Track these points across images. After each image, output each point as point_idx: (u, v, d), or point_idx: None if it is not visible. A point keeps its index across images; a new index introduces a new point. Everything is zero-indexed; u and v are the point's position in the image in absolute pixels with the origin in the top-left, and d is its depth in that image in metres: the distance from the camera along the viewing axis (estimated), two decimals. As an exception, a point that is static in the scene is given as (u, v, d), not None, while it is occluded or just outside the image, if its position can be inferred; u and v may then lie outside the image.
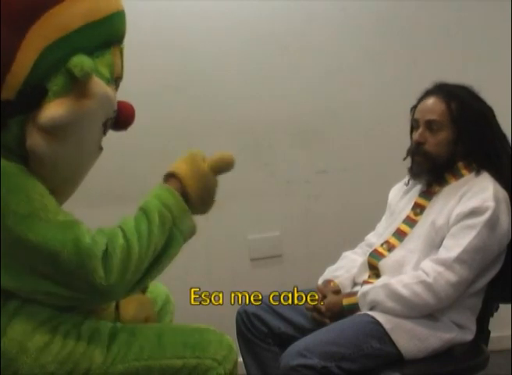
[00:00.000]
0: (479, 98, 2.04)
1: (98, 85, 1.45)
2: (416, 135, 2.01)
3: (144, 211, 1.53)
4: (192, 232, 1.61)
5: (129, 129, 2.63)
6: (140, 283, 1.50)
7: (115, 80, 1.56)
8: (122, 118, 1.61)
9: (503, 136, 2.03)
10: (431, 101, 2.02)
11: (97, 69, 1.44)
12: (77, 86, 1.41)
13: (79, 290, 1.42)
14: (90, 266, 1.38)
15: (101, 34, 1.47)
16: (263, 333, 2.07)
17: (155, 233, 1.48)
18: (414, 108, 2.10)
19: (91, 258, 1.38)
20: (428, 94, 2.05)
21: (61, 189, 1.55)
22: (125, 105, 1.62)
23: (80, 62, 1.39)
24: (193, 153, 1.67)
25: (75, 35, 1.41)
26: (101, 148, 1.61)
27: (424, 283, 1.85)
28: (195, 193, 1.60)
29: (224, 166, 1.67)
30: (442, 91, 2.03)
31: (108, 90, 1.49)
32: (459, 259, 1.85)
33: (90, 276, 1.38)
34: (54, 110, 1.39)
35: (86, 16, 1.43)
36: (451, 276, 1.85)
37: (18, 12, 1.36)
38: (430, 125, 2.00)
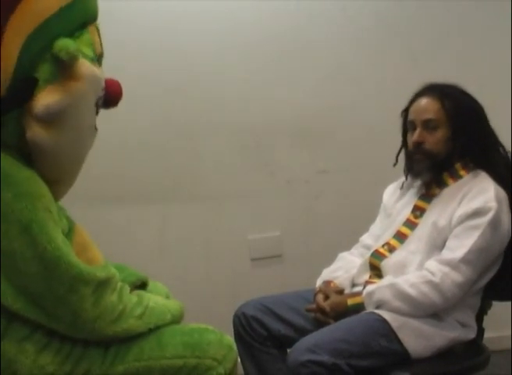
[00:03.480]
0: (470, 95, 2.05)
1: (85, 66, 1.45)
2: (415, 136, 2.02)
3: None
4: None
5: (130, 130, 2.64)
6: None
7: (98, 58, 1.56)
8: (110, 95, 1.61)
9: (494, 133, 2.05)
10: (424, 101, 2.03)
11: (80, 50, 1.44)
12: (65, 70, 1.41)
13: (60, 321, 1.42)
14: (82, 292, 1.39)
15: (76, 15, 1.47)
16: (262, 336, 2.06)
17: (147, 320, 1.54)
18: (405, 112, 2.11)
19: (89, 282, 1.40)
20: (419, 95, 2.06)
21: (64, 177, 1.56)
22: (111, 82, 1.61)
23: (65, 45, 1.39)
24: None
25: (52, 21, 1.41)
26: (96, 129, 1.61)
27: (431, 283, 1.86)
28: None
29: None
30: (434, 90, 2.04)
31: (95, 69, 1.50)
32: (464, 260, 1.86)
33: (78, 305, 1.39)
34: (47, 98, 1.39)
35: (59, 0, 1.43)
36: (457, 277, 1.86)
37: None
38: (427, 124, 2.00)
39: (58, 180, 1.48)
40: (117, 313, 1.46)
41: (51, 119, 1.41)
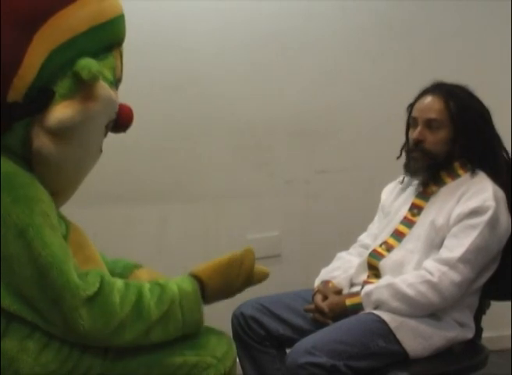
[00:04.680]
0: (477, 97, 2.04)
1: (103, 88, 1.47)
2: (415, 133, 2.02)
3: (161, 290, 1.51)
4: (196, 326, 1.58)
5: (129, 129, 2.64)
6: (119, 344, 1.47)
7: (116, 82, 1.57)
8: (121, 121, 1.62)
9: (498, 136, 2.04)
10: (429, 99, 2.02)
11: (101, 72, 1.46)
12: (84, 88, 1.43)
13: (56, 326, 1.41)
14: (71, 303, 1.37)
15: (104, 38, 1.50)
16: (260, 336, 2.07)
17: (153, 317, 1.46)
18: (410, 107, 2.10)
19: (74, 296, 1.37)
20: (425, 93, 2.06)
21: (62, 191, 1.56)
22: (124, 108, 1.63)
23: (88, 64, 1.41)
24: (231, 263, 1.66)
25: (80, 38, 1.43)
26: (101, 150, 1.62)
27: (429, 282, 1.86)
28: (215, 298, 1.63)
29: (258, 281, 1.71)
30: (441, 90, 2.03)
31: (112, 93, 1.52)
32: (462, 259, 1.86)
33: (68, 315, 1.37)
34: (61, 112, 1.41)
35: (91, 20, 1.45)
36: (455, 276, 1.86)
37: (25, 16, 1.38)
38: (429, 123, 2.00)
39: (53, 193, 1.48)
40: (113, 327, 1.42)
41: (61, 133, 1.42)
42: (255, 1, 2.86)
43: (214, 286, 1.59)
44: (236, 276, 1.64)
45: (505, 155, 2.04)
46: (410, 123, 2.08)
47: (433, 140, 2.00)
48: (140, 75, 2.69)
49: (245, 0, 2.85)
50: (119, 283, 1.46)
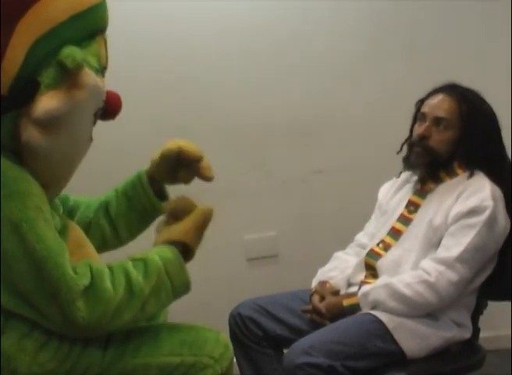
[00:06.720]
0: (488, 104, 2.04)
1: (89, 76, 1.45)
2: (421, 128, 2.01)
3: (144, 264, 1.50)
4: (185, 289, 1.60)
5: (126, 129, 2.63)
6: (119, 326, 1.47)
7: (102, 69, 1.55)
8: (109, 108, 1.60)
9: (503, 146, 2.04)
10: (441, 98, 2.02)
11: (86, 60, 1.44)
12: (69, 77, 1.41)
13: (54, 321, 1.40)
14: (68, 296, 1.37)
15: (86, 25, 1.47)
16: (258, 336, 2.07)
17: (146, 291, 1.47)
18: (420, 102, 2.09)
19: (70, 289, 1.37)
20: (438, 91, 2.05)
21: (54, 183, 1.55)
22: (112, 95, 1.61)
23: (71, 53, 1.39)
24: (206, 220, 1.66)
25: (62, 27, 1.41)
26: (91, 139, 1.60)
27: (426, 282, 1.86)
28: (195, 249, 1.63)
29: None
30: (454, 90, 2.03)
31: (98, 80, 1.50)
32: (460, 258, 1.86)
33: (66, 308, 1.37)
34: (47, 102, 1.39)
35: (71, 8, 1.43)
36: (453, 276, 1.86)
37: (4, 8, 1.36)
38: (438, 121, 2.00)
39: (45, 185, 1.47)
40: (111, 312, 1.43)
41: (49, 123, 1.40)
42: (251, 2, 2.86)
43: (195, 244, 1.61)
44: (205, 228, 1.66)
45: (507, 167, 2.03)
46: (418, 117, 2.07)
47: (439, 138, 1.99)
48: (137, 75, 2.69)
49: (241, 1, 2.85)
50: (104, 267, 1.46)
